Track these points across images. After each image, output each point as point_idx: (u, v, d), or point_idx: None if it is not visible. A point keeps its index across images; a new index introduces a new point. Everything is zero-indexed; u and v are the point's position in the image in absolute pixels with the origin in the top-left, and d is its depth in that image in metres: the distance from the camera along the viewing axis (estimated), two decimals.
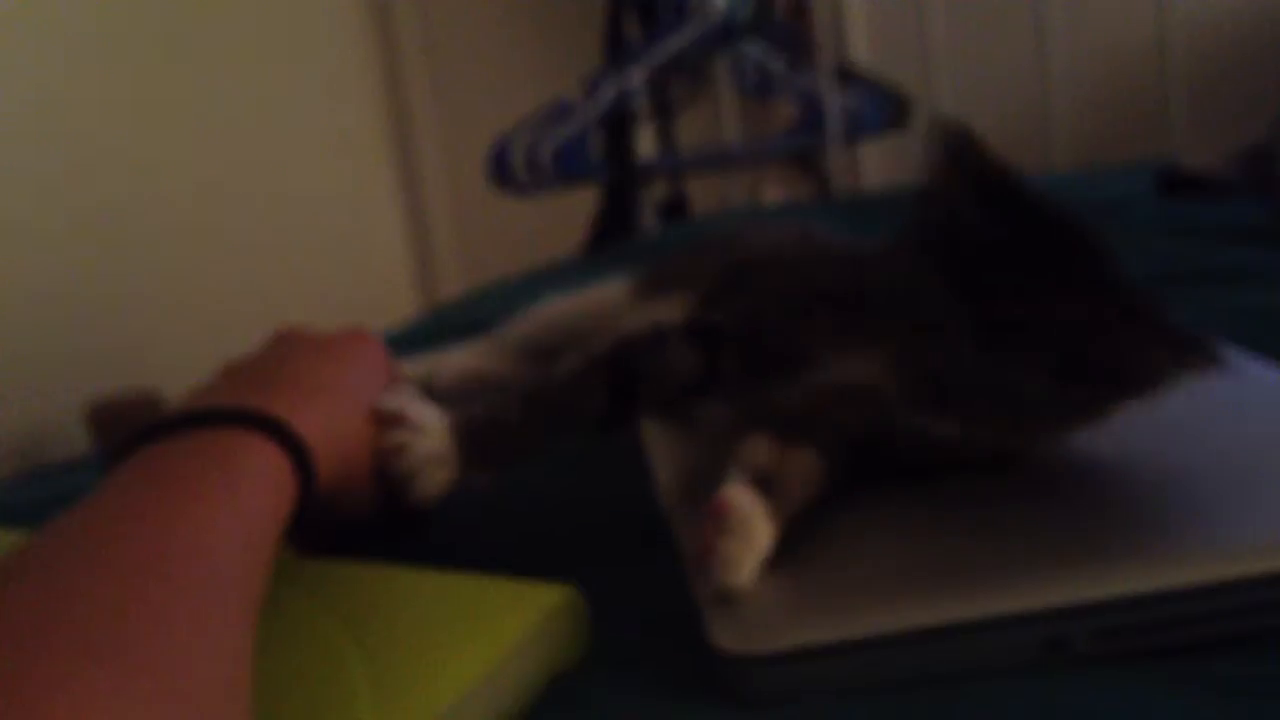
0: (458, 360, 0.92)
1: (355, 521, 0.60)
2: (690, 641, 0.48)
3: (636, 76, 2.29)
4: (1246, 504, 0.50)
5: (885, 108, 2.37)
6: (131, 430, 0.49)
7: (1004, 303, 0.52)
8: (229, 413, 0.50)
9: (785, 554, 0.50)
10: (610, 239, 2.22)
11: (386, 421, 0.57)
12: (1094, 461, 0.55)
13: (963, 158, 0.55)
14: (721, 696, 0.45)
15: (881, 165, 2.72)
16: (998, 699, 0.43)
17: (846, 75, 2.40)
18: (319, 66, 2.79)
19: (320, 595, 0.49)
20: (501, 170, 2.23)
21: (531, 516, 0.67)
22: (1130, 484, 0.53)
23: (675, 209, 2.47)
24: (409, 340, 1.10)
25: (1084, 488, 0.53)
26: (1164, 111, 2.26)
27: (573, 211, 2.40)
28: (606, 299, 0.89)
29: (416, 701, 0.42)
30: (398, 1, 2.94)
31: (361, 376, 0.61)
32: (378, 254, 2.96)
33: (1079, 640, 0.44)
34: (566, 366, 0.63)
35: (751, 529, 0.49)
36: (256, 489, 0.47)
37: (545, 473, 0.72)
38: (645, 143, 2.47)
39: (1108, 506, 0.51)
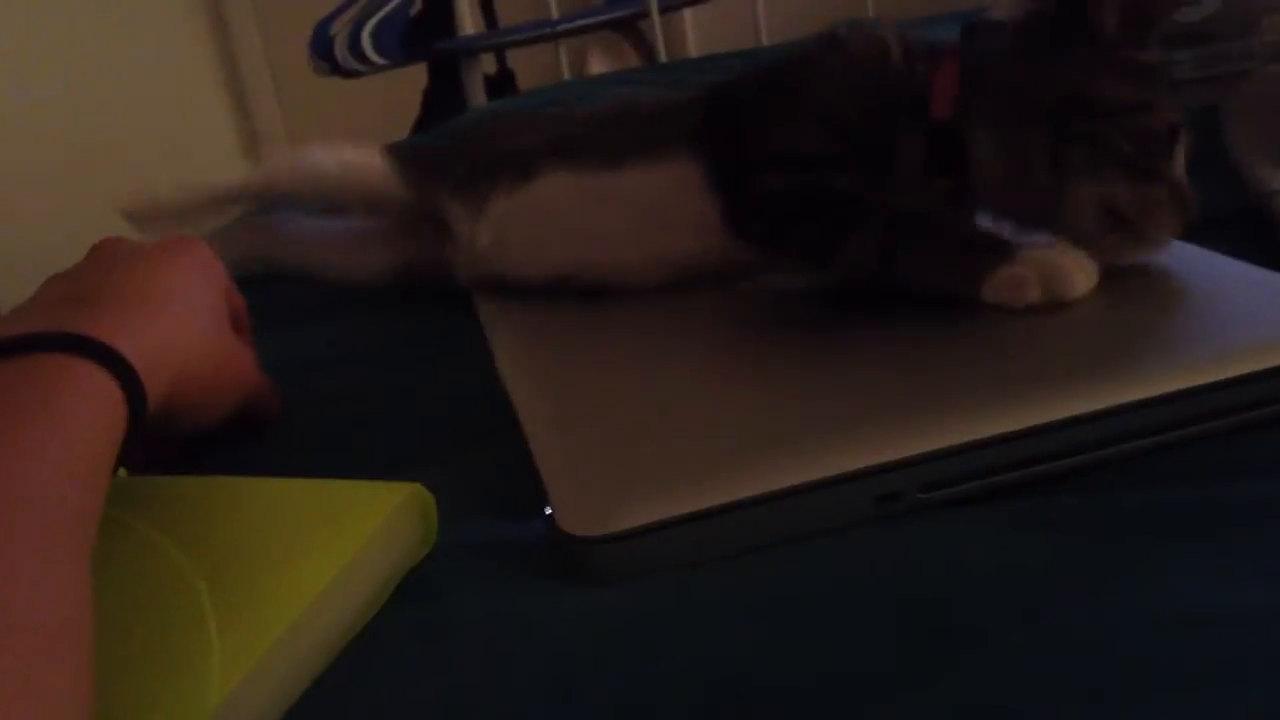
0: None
1: (196, 434, 0.59)
2: (538, 525, 0.49)
3: None
4: (1060, 351, 0.53)
5: None
6: None
7: None
8: (47, 338, 0.48)
9: (621, 433, 0.51)
10: (439, 117, 2.18)
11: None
12: (914, 317, 0.58)
13: None
14: (570, 578, 0.46)
15: (708, 32, 2.71)
16: (835, 557, 0.44)
17: None
18: None
19: (157, 516, 0.48)
20: (323, 52, 2.16)
21: (372, 415, 0.66)
22: (946, 336, 0.55)
23: (502, 84, 2.43)
24: None
25: (903, 343, 0.55)
26: None
27: (403, 91, 2.34)
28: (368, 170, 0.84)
29: (265, 615, 0.42)
30: None
31: (189, 284, 0.59)
32: (202, 146, 2.85)
33: (909, 493, 0.46)
34: None
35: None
36: (83, 417, 0.45)
37: (380, 369, 0.72)
38: (467, 19, 2.41)
39: (926, 360, 0.53)
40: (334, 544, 0.46)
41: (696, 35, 2.78)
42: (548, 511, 0.47)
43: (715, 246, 0.67)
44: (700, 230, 0.67)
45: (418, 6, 2.22)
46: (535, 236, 0.72)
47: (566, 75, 2.44)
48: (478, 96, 2.34)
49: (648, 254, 0.68)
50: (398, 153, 0.82)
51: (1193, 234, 0.59)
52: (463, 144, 0.81)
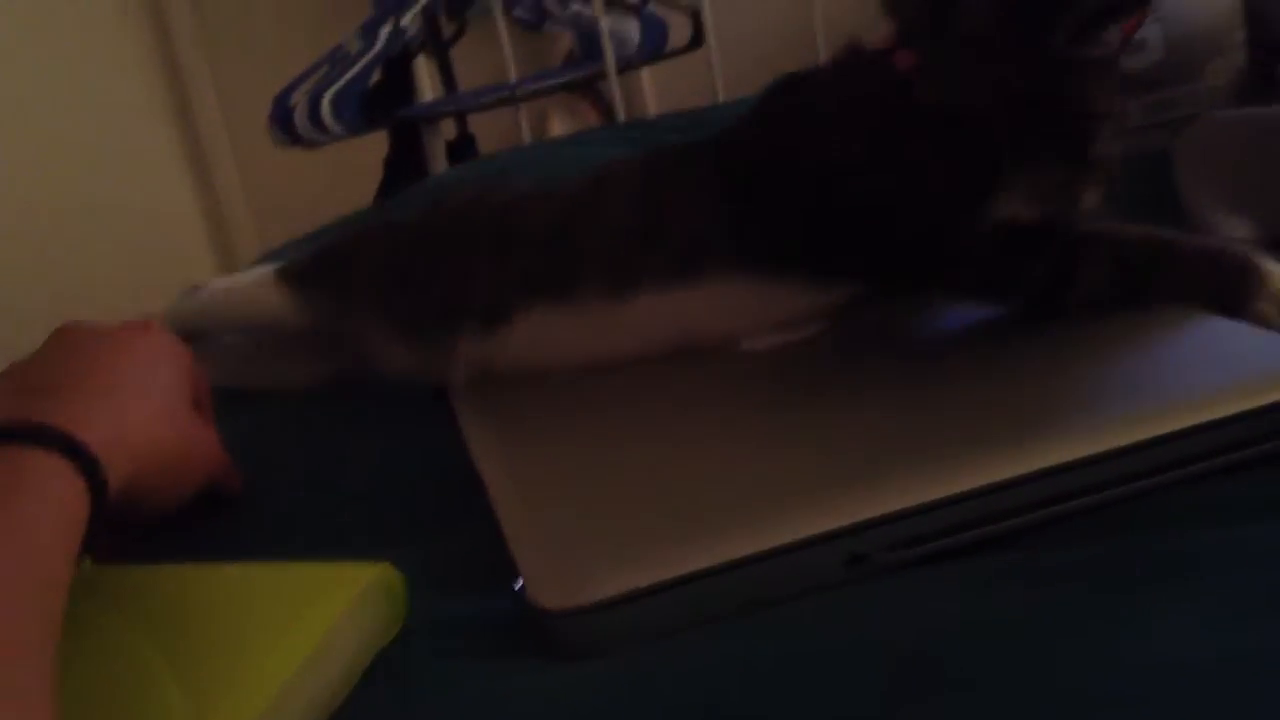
0: None
1: (157, 520, 0.59)
2: (509, 601, 0.48)
3: (409, 15, 2.24)
4: (1020, 405, 0.53)
5: (661, 32, 2.37)
6: None
7: None
8: (8, 428, 0.47)
9: (590, 503, 0.51)
10: (402, 183, 2.18)
11: None
12: (874, 377, 0.58)
13: None
14: (545, 652, 0.45)
15: (666, 90, 2.73)
16: (815, 617, 0.44)
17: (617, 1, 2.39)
18: (90, 41, 2.65)
19: (122, 606, 0.48)
20: (283, 124, 2.16)
21: (337, 491, 0.66)
22: (907, 396, 0.55)
23: (463, 149, 2.44)
24: None
25: (867, 405, 0.55)
26: None
27: (365, 159, 2.35)
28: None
29: (233, 704, 0.41)
30: None
31: (150, 369, 0.59)
32: (164, 220, 2.85)
33: (878, 553, 0.46)
34: None
35: None
36: (46, 508, 0.45)
37: (344, 444, 0.72)
38: (426, 85, 2.43)
39: (890, 420, 0.53)
40: (302, 628, 0.45)
41: (655, 93, 2.80)
42: (518, 585, 0.47)
43: (760, 327, 0.66)
44: (746, 328, 0.66)
45: (377, 75, 2.23)
46: (531, 365, 0.68)
47: (527, 137, 2.45)
48: (439, 162, 2.34)
49: (679, 348, 0.66)
50: (296, 279, 0.76)
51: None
52: (380, 266, 0.74)
